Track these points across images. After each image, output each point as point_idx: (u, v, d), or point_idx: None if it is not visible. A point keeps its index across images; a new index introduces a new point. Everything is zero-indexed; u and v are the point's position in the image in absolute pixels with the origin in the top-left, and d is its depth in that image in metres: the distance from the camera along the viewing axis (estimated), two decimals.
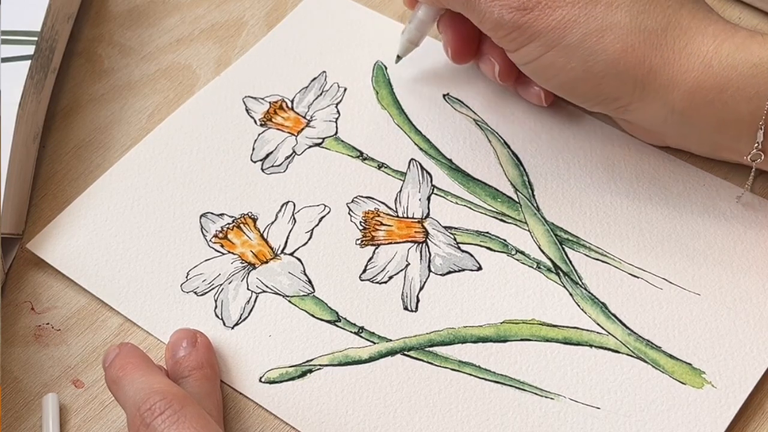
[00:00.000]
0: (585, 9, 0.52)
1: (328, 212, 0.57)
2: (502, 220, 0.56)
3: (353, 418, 0.50)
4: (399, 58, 0.61)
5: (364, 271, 0.54)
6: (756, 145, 0.52)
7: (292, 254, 0.55)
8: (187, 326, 0.53)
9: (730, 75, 0.51)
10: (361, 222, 0.56)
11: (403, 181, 0.57)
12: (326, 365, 0.52)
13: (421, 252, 0.55)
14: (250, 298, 0.54)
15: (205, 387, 0.49)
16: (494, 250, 0.55)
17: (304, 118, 0.60)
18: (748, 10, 0.64)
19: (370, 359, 0.52)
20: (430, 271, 0.54)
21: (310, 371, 0.51)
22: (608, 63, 0.51)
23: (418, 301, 0.53)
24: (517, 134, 0.59)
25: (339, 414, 0.50)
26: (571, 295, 0.53)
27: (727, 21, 0.53)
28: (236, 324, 0.53)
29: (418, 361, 0.52)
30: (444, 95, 0.61)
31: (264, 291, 0.54)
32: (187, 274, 0.55)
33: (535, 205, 0.56)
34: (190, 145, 0.59)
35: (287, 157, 0.59)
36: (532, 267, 0.54)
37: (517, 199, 0.56)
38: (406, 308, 0.53)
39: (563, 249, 0.55)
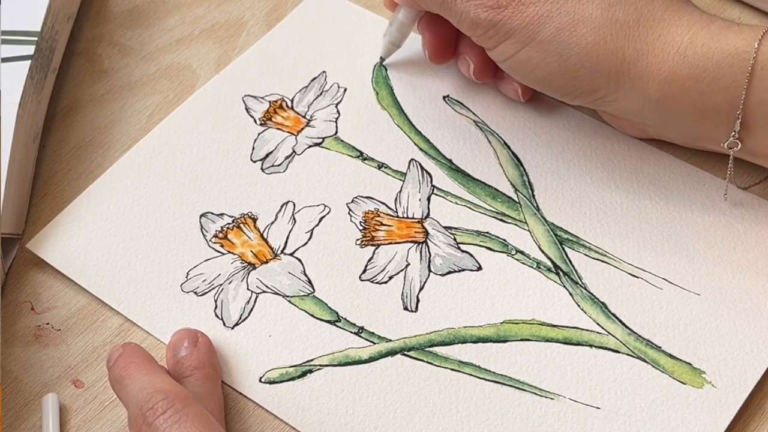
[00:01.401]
0: (557, 4, 0.52)
1: (328, 212, 0.57)
2: (502, 220, 0.56)
3: (353, 418, 0.50)
4: (382, 59, 0.62)
5: (364, 271, 0.54)
6: (733, 134, 0.52)
7: (292, 254, 0.55)
8: (188, 326, 0.53)
9: (705, 65, 0.51)
10: (361, 222, 0.56)
11: (403, 181, 0.57)
12: (326, 365, 0.52)
13: (421, 252, 0.55)
14: (250, 298, 0.54)
15: (207, 386, 0.50)
16: (494, 250, 0.55)
17: (304, 117, 0.60)
18: (748, 10, 0.64)
19: (370, 359, 0.52)
20: (430, 271, 0.54)
21: (310, 371, 0.51)
22: (581, 56, 0.52)
23: (418, 301, 0.53)
24: (517, 134, 0.59)
25: (339, 414, 0.50)
26: (571, 295, 0.53)
27: (702, 11, 0.53)
28: (236, 324, 0.53)
29: (418, 361, 0.52)
30: (444, 97, 0.61)
31: (264, 291, 0.54)
32: (187, 274, 0.55)
33: (535, 205, 0.56)
34: (189, 145, 0.59)
35: (287, 157, 0.59)
36: (532, 267, 0.54)
37: (517, 199, 0.56)
38: (406, 308, 0.53)
39: (563, 249, 0.55)
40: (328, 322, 0.53)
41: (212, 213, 0.57)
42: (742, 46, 0.51)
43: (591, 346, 0.51)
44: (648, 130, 0.56)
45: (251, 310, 0.53)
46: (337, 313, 0.53)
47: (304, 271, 0.54)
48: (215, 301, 0.54)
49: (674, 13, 0.52)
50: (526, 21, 0.52)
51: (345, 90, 0.61)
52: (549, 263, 0.54)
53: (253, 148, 0.59)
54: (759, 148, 0.52)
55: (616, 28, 0.52)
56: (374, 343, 0.52)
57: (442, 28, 0.57)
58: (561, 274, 0.54)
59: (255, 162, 0.59)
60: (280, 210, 0.57)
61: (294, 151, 0.59)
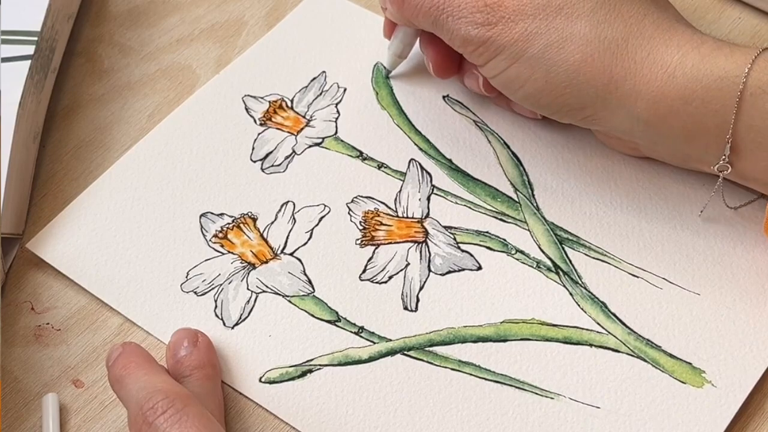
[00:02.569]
0: (545, 21, 0.52)
1: (328, 212, 0.57)
2: (502, 220, 0.56)
3: (353, 418, 0.50)
4: (388, 71, 0.61)
5: (364, 271, 0.54)
6: (723, 157, 0.51)
7: (292, 254, 0.55)
8: (188, 326, 0.53)
9: (694, 87, 0.50)
10: (361, 222, 0.56)
11: (403, 181, 0.57)
12: (326, 365, 0.52)
13: (421, 252, 0.55)
14: (250, 298, 0.54)
15: (207, 386, 0.50)
16: (494, 250, 0.55)
17: (304, 117, 0.60)
18: (748, 10, 0.63)
19: (370, 359, 0.52)
20: (430, 270, 0.54)
21: (310, 371, 0.51)
22: (569, 73, 0.52)
23: (418, 300, 0.53)
24: (517, 134, 0.59)
25: (339, 414, 0.50)
26: (571, 294, 0.53)
27: (695, 31, 0.52)
28: (236, 324, 0.53)
29: (418, 360, 0.52)
30: (444, 97, 0.61)
31: (264, 291, 0.54)
32: (187, 274, 0.55)
33: (534, 204, 0.56)
34: (189, 145, 0.59)
35: (287, 157, 0.59)
36: (532, 266, 0.54)
37: (516, 199, 0.56)
38: (406, 308, 0.53)
39: (563, 248, 0.55)
40: (328, 321, 0.53)
41: (212, 213, 0.57)
42: (732, 69, 0.50)
43: (591, 345, 0.51)
44: (640, 149, 0.56)
45: (251, 310, 0.53)
46: (337, 312, 0.53)
47: (304, 271, 0.54)
48: (215, 301, 0.54)
49: (665, 32, 0.52)
50: (515, 38, 0.52)
51: (345, 90, 0.61)
52: (549, 263, 0.54)
53: (253, 148, 0.59)
54: (748, 171, 0.52)
55: (605, 46, 0.51)
56: (374, 343, 0.52)
57: (443, 44, 0.57)
58: (561, 273, 0.54)
59: (255, 162, 0.59)
60: (280, 210, 0.57)
61: (294, 151, 0.59)
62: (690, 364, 0.51)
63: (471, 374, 0.51)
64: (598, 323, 0.52)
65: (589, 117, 0.53)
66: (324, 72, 0.62)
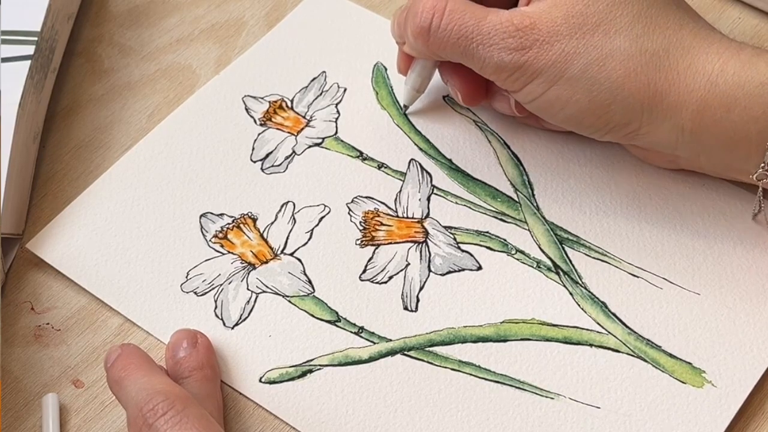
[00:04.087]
0: (583, 39, 0.51)
1: (328, 212, 0.57)
2: (502, 220, 0.56)
3: (353, 418, 0.50)
4: (406, 107, 0.60)
5: (364, 271, 0.54)
6: (762, 165, 0.51)
7: (292, 254, 0.55)
8: (187, 326, 0.53)
9: (736, 94, 0.50)
10: (361, 222, 0.56)
11: (403, 181, 0.57)
12: (326, 365, 0.52)
13: (421, 252, 0.55)
14: (250, 298, 0.54)
15: (206, 388, 0.49)
16: (494, 250, 0.55)
17: (304, 117, 0.60)
18: (748, 10, 0.64)
19: (370, 359, 0.52)
20: (430, 270, 0.54)
21: (310, 371, 0.51)
22: (613, 90, 0.51)
23: (418, 301, 0.53)
24: (517, 134, 0.59)
25: (339, 414, 0.50)
26: (571, 294, 0.53)
27: (731, 39, 0.52)
28: (236, 324, 0.53)
29: (418, 360, 0.52)
30: (444, 97, 0.61)
31: (264, 291, 0.54)
32: (187, 274, 0.55)
33: (535, 204, 0.56)
34: (189, 145, 0.59)
35: (287, 157, 0.59)
36: (532, 266, 0.54)
37: (516, 199, 0.56)
38: (406, 308, 0.53)
39: (563, 248, 0.55)
40: (328, 322, 0.53)
41: (212, 213, 0.57)
42: None
43: (591, 345, 0.51)
44: (679, 161, 0.55)
45: (251, 310, 0.53)
46: (337, 313, 0.53)
47: (304, 271, 0.54)
48: (215, 301, 0.54)
49: (703, 40, 0.51)
50: (552, 60, 0.51)
51: (345, 90, 0.61)
52: (549, 263, 0.54)
53: (253, 149, 0.59)
54: None
55: (646, 59, 0.51)
56: (374, 343, 0.52)
57: (469, 72, 0.55)
58: (561, 273, 0.54)
59: (255, 162, 0.59)
60: (280, 210, 0.57)
61: (294, 151, 0.59)
62: (690, 364, 0.51)
63: (471, 374, 0.51)
64: (598, 323, 0.52)
65: (633, 132, 0.52)
66: (324, 72, 0.62)
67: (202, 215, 0.57)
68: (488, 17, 0.52)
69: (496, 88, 0.56)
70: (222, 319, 0.53)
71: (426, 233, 0.55)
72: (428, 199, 0.57)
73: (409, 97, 0.59)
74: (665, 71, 0.51)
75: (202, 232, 0.56)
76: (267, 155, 0.59)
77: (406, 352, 0.52)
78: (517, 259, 0.54)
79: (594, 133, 0.54)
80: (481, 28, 0.52)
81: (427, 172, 0.58)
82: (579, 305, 0.53)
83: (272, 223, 0.56)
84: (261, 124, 0.60)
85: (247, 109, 0.61)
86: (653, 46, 0.51)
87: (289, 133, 0.60)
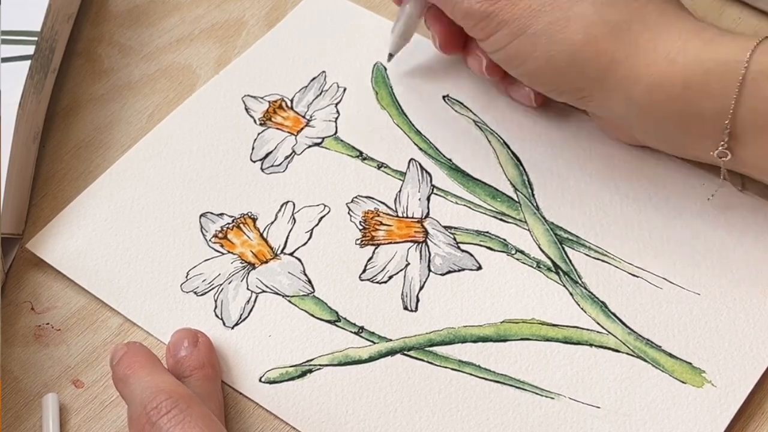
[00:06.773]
0: None
1: (328, 212, 0.57)
2: (501, 220, 0.56)
3: (353, 418, 0.50)
4: (391, 56, 0.61)
5: (364, 270, 0.54)
6: (722, 144, 0.51)
7: (291, 254, 0.55)
8: (188, 326, 0.53)
9: (695, 71, 0.50)
10: (360, 222, 0.56)
11: (403, 181, 0.57)
12: (326, 365, 0.52)
13: (420, 252, 0.55)
14: (250, 298, 0.54)
15: (207, 387, 0.50)
16: (494, 250, 0.55)
17: (304, 117, 0.60)
18: (748, 10, 0.64)
19: (370, 359, 0.52)
20: (429, 270, 0.54)
21: (310, 371, 0.51)
22: (571, 53, 0.52)
23: (418, 300, 0.53)
24: (517, 134, 0.59)
25: (339, 414, 0.50)
26: (571, 294, 0.53)
27: (697, 20, 0.53)
28: (236, 324, 0.53)
29: (418, 360, 0.52)
30: (443, 96, 0.61)
31: (264, 291, 0.54)
32: (187, 274, 0.55)
33: (534, 204, 0.56)
34: (189, 145, 0.59)
35: (287, 157, 0.59)
36: (532, 266, 0.54)
37: (516, 199, 0.56)
38: (406, 308, 0.53)
39: (563, 248, 0.55)
40: (328, 321, 0.53)
41: (212, 213, 0.57)
42: (734, 54, 0.50)
43: (591, 345, 0.51)
44: (635, 135, 0.56)
45: (251, 310, 0.53)
46: (337, 312, 0.53)
47: (304, 271, 0.54)
48: (215, 301, 0.54)
49: (668, 18, 0.52)
50: (518, 13, 0.53)
51: (344, 90, 0.61)
52: (549, 263, 0.54)
53: (253, 148, 0.59)
54: (749, 158, 0.52)
55: (608, 29, 0.52)
56: (374, 343, 0.52)
57: (449, 20, 0.57)
58: (561, 273, 0.54)
59: (255, 162, 0.59)
60: (279, 210, 0.57)
61: (294, 151, 0.59)
62: (690, 363, 0.51)
63: (471, 374, 0.51)
64: (598, 323, 0.52)
65: (586, 98, 0.54)
66: (324, 72, 0.62)
67: (202, 215, 0.57)
68: None
69: (471, 46, 0.58)
70: (222, 318, 0.53)
71: (426, 233, 0.55)
72: (428, 199, 0.57)
73: (395, 46, 0.61)
74: (624, 43, 0.52)
75: (202, 231, 0.56)
76: (267, 155, 0.59)
77: (406, 352, 0.52)
78: (517, 259, 0.54)
79: (549, 92, 0.55)
80: None
81: (427, 172, 0.58)
82: (579, 305, 0.53)
83: (272, 222, 0.56)
84: (261, 124, 0.60)
85: (246, 109, 0.61)
86: (616, 18, 0.52)
87: (288, 132, 0.60)
